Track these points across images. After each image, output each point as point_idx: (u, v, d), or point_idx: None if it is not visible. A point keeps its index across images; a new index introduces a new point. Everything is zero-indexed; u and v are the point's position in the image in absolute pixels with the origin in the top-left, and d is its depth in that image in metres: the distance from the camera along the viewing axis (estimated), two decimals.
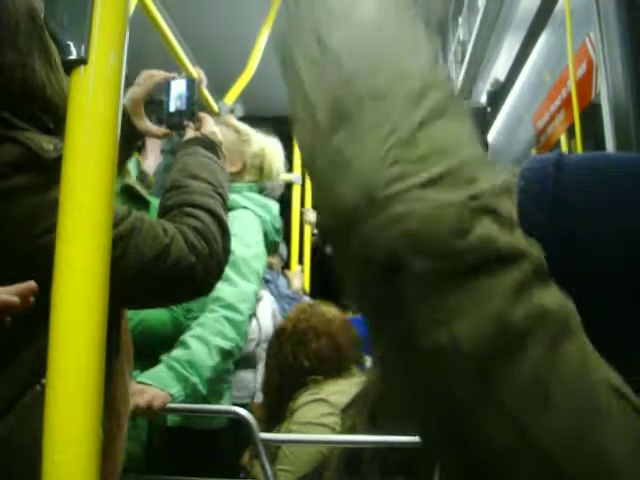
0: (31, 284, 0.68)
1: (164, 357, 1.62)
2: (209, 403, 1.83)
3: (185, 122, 1.34)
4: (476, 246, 0.42)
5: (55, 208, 0.80)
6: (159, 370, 1.62)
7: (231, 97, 2.99)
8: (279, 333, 1.88)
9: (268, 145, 2.29)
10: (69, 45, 0.61)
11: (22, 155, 0.82)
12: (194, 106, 1.38)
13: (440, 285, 0.42)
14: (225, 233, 1.08)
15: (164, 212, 1.06)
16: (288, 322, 1.89)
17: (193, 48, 3.51)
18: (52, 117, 0.94)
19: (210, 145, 1.26)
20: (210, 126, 1.31)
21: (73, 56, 0.61)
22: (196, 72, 2.22)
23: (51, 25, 0.62)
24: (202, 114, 1.35)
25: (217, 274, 1.05)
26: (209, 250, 1.01)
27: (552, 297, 0.42)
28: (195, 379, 1.68)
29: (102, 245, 0.59)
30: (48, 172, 0.82)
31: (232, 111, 2.75)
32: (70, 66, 0.61)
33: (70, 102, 0.60)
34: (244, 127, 2.24)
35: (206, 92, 2.39)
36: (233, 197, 1.87)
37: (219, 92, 2.92)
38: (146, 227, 0.92)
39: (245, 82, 3.13)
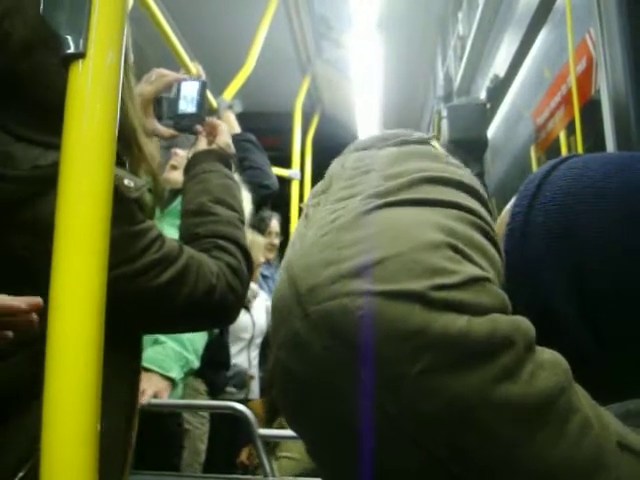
0: (38, 299, 0.68)
1: (162, 336, 1.62)
2: None
3: (196, 126, 1.31)
4: (435, 344, 0.36)
5: (129, 244, 0.86)
6: (156, 352, 1.62)
7: (230, 93, 2.99)
8: None
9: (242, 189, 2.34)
10: (67, 39, 0.60)
11: None
12: (204, 110, 1.35)
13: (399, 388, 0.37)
14: (250, 264, 1.12)
15: (194, 238, 1.08)
16: None
17: (191, 43, 3.50)
18: (125, 149, 0.95)
19: (226, 159, 1.25)
20: (225, 137, 1.29)
21: (71, 50, 0.60)
22: (195, 67, 2.22)
23: (49, 18, 0.61)
24: (216, 121, 1.32)
25: (242, 304, 1.11)
26: (243, 290, 1.06)
27: (545, 378, 0.39)
28: (192, 356, 1.69)
29: (99, 243, 0.58)
30: (126, 209, 0.85)
31: (231, 107, 2.74)
32: (68, 60, 0.60)
33: (68, 96, 0.60)
34: None
35: None
36: None
37: (218, 88, 2.91)
38: (196, 266, 0.96)
39: (244, 78, 3.13)
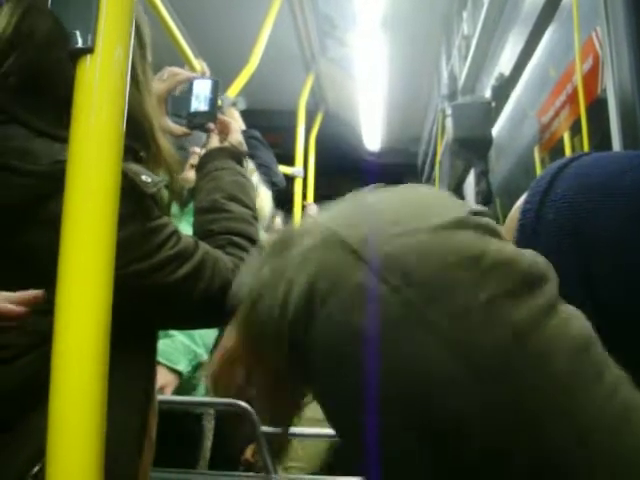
0: (36, 293, 0.67)
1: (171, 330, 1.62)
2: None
3: (208, 124, 1.32)
4: (496, 268, 0.38)
5: (145, 240, 0.86)
6: (165, 345, 1.62)
7: (234, 90, 2.98)
8: None
9: (262, 187, 2.32)
10: (75, 34, 0.60)
11: (122, 187, 0.83)
12: (216, 108, 1.36)
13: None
14: None
15: (208, 235, 1.08)
16: None
17: (196, 40, 3.50)
18: (142, 145, 0.96)
19: (238, 157, 1.25)
20: (237, 135, 1.29)
21: (79, 45, 0.60)
22: (199, 65, 2.22)
23: (57, 14, 0.61)
24: (227, 119, 1.33)
25: None
26: None
27: (578, 322, 0.41)
28: (200, 350, 1.68)
29: (107, 238, 0.58)
30: (143, 205, 0.86)
31: (234, 104, 2.74)
32: (76, 55, 0.60)
33: (76, 91, 0.60)
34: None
35: None
36: None
37: (221, 85, 2.91)
38: (212, 261, 0.96)
39: (248, 75, 3.13)
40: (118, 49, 0.61)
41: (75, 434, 0.56)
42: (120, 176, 0.60)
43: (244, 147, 1.30)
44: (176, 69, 1.38)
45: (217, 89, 1.38)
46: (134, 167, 0.87)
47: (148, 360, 0.98)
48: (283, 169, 4.00)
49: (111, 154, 0.59)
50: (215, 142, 1.26)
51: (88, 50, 0.59)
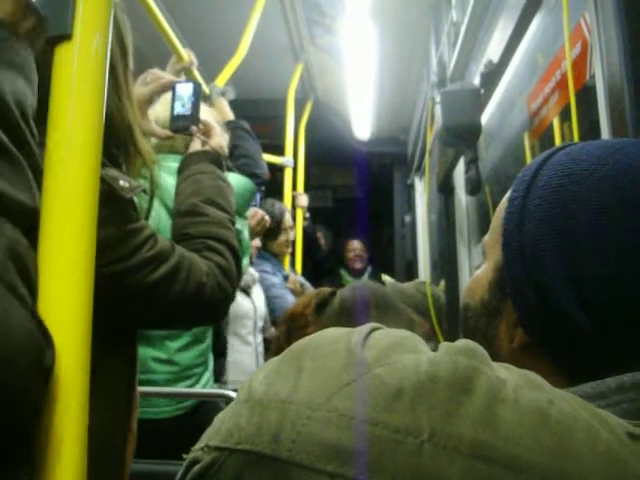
0: None
1: None
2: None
3: (191, 127, 1.36)
4: None
5: (123, 243, 0.88)
6: None
7: (222, 79, 2.96)
8: (285, 316, 1.82)
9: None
10: (53, 20, 0.58)
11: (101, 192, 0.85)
12: (198, 111, 1.40)
13: None
14: (239, 263, 1.15)
15: (185, 238, 1.11)
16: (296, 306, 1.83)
17: (184, 30, 3.47)
18: (121, 150, 0.99)
19: (219, 161, 1.29)
20: (218, 139, 1.34)
21: (57, 32, 0.59)
22: (187, 54, 2.20)
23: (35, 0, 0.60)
24: (208, 122, 1.38)
25: (230, 303, 1.14)
26: (232, 290, 1.10)
27: None
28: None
29: (87, 227, 0.57)
30: (121, 209, 0.88)
31: (223, 94, 2.72)
32: (54, 42, 0.59)
33: (54, 79, 0.58)
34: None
35: (197, 74, 2.36)
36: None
37: (210, 74, 2.89)
38: (187, 264, 1.00)
39: (236, 64, 3.11)
40: (97, 36, 0.59)
41: (58, 432, 0.56)
42: (100, 163, 0.59)
43: (225, 151, 1.36)
44: (159, 72, 1.42)
45: (199, 93, 1.44)
46: (112, 172, 0.89)
47: (130, 357, 0.99)
48: (273, 159, 3.98)
49: (91, 142, 0.58)
50: (197, 145, 1.33)
51: (66, 37, 0.58)
